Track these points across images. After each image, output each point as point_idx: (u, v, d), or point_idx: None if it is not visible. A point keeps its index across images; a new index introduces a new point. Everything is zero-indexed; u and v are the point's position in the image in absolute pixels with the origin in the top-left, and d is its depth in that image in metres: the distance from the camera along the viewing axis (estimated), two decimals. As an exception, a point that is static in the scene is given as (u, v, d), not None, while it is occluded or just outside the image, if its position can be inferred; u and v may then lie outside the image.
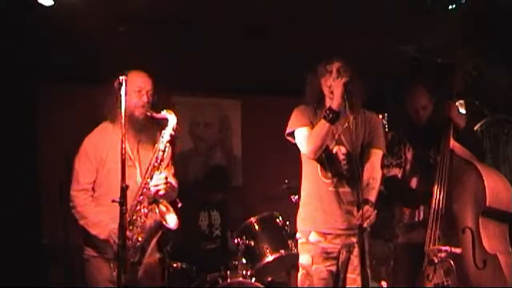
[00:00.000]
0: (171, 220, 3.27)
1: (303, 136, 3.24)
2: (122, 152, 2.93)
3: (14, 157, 4.46)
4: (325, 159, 3.25)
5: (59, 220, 4.75)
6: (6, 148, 4.40)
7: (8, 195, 4.35)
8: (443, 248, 3.27)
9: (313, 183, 3.32)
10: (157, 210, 3.24)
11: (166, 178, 3.25)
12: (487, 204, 3.26)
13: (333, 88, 3.14)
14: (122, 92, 2.99)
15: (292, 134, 3.33)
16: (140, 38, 4.32)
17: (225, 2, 3.98)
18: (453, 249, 3.25)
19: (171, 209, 3.32)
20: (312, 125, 3.26)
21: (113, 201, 2.91)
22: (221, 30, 4.36)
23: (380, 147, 3.36)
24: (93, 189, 3.34)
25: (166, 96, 3.50)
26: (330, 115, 3.09)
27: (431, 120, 3.66)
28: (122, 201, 2.88)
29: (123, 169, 2.91)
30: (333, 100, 3.11)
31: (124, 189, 2.89)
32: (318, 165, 3.27)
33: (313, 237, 3.25)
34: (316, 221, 3.26)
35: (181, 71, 4.99)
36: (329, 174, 3.25)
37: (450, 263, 3.26)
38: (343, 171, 3.26)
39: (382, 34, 4.43)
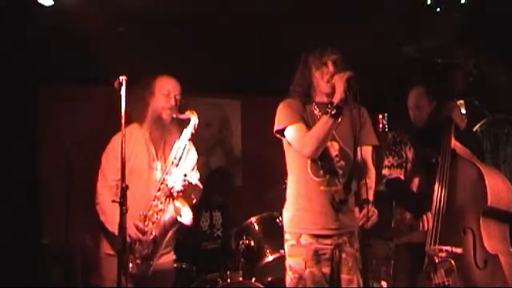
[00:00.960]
0: (186, 216, 3.33)
1: (299, 134, 3.06)
2: (122, 152, 2.96)
3: (14, 157, 4.46)
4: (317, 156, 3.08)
5: (59, 220, 4.76)
6: (6, 148, 4.39)
7: (8, 195, 4.34)
8: (444, 248, 3.26)
9: (302, 182, 3.13)
10: (172, 206, 3.28)
11: (185, 175, 3.33)
12: (488, 204, 3.25)
13: (335, 81, 3.00)
14: (122, 92, 3.01)
15: (281, 131, 3.16)
16: (140, 38, 4.33)
17: (225, 2, 3.97)
18: (454, 249, 3.24)
19: (186, 205, 3.36)
20: (304, 121, 3.10)
21: (113, 201, 2.95)
22: (221, 30, 4.36)
23: (371, 143, 3.24)
24: (117, 186, 3.36)
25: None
26: (334, 111, 2.93)
27: (431, 120, 3.67)
28: (122, 201, 2.90)
29: (123, 169, 2.94)
30: (336, 95, 2.96)
31: (124, 189, 2.91)
32: (308, 163, 3.09)
33: (304, 239, 3.09)
34: (306, 222, 3.10)
35: (181, 71, 4.98)
36: (321, 172, 3.08)
37: (451, 263, 3.25)
38: (336, 168, 3.10)
39: (382, 34, 4.43)
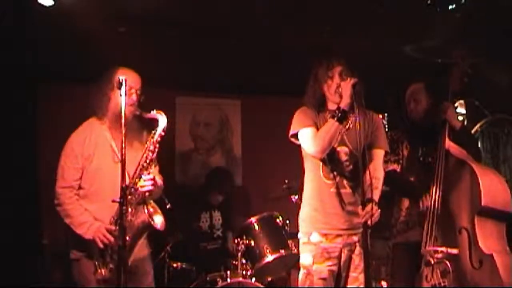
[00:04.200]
0: (158, 221, 3.30)
1: (309, 137, 3.21)
2: (122, 152, 2.95)
3: (14, 157, 4.46)
4: (328, 160, 3.23)
5: (59, 220, 4.76)
6: (6, 148, 4.40)
7: (8, 195, 4.35)
8: (440, 249, 3.28)
9: (314, 184, 3.30)
10: (145, 211, 3.25)
11: (154, 178, 3.28)
12: (483, 204, 3.25)
13: (341, 88, 3.16)
14: (122, 91, 3.01)
15: (295, 135, 3.31)
16: (140, 38, 4.32)
17: (225, 2, 3.97)
18: (450, 250, 3.25)
19: (158, 210, 3.35)
20: (316, 126, 3.25)
21: (113, 201, 2.94)
22: (221, 30, 4.36)
23: (382, 147, 3.35)
24: (79, 186, 3.32)
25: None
26: (339, 114, 3.11)
27: (428, 120, 3.68)
28: (123, 201, 2.90)
29: (123, 169, 2.92)
30: (342, 100, 3.13)
31: (124, 189, 2.91)
32: (320, 166, 3.26)
33: (315, 237, 3.24)
34: (318, 221, 3.25)
35: (181, 71, 4.99)
36: (331, 175, 3.24)
37: (447, 264, 3.26)
38: (346, 172, 3.25)
39: (382, 34, 4.43)
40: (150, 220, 3.25)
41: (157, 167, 3.54)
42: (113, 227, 3.20)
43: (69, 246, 3.38)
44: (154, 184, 3.27)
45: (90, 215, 3.27)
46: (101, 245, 3.20)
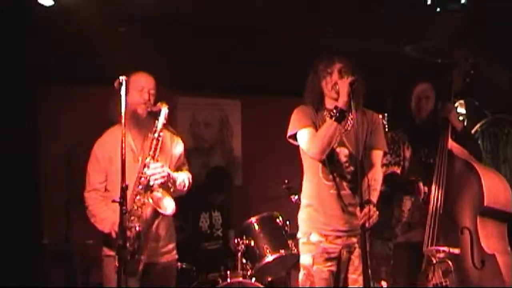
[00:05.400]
0: (168, 205, 3.34)
1: (308, 138, 3.18)
2: (122, 152, 2.98)
3: (14, 157, 4.47)
4: (327, 161, 3.19)
5: (59, 220, 4.77)
6: (6, 148, 4.40)
7: (8, 195, 4.35)
8: (442, 248, 3.29)
9: (314, 185, 3.27)
10: (149, 199, 3.29)
11: (162, 166, 3.34)
12: (485, 204, 3.27)
13: (339, 86, 3.11)
14: (122, 92, 3.04)
15: (294, 136, 3.27)
16: (140, 38, 4.32)
17: (225, 2, 3.98)
18: (452, 250, 3.26)
19: (167, 195, 3.37)
20: (314, 125, 3.21)
21: (113, 201, 2.97)
22: (221, 30, 4.36)
23: (381, 148, 3.32)
24: (106, 188, 3.45)
25: (169, 97, 3.58)
26: (337, 114, 3.06)
27: (430, 120, 3.69)
28: (122, 201, 2.92)
29: (123, 169, 2.95)
30: (339, 99, 3.08)
31: (124, 189, 2.93)
32: (320, 167, 3.22)
33: (314, 237, 3.22)
34: (317, 222, 3.23)
35: (181, 71, 4.99)
36: (331, 177, 3.21)
37: (449, 263, 3.27)
38: (345, 174, 3.22)
39: (383, 34, 4.43)
40: (157, 206, 3.29)
41: (186, 166, 3.69)
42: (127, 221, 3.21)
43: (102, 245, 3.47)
44: (163, 171, 3.32)
45: (111, 213, 3.33)
46: (114, 236, 3.27)
